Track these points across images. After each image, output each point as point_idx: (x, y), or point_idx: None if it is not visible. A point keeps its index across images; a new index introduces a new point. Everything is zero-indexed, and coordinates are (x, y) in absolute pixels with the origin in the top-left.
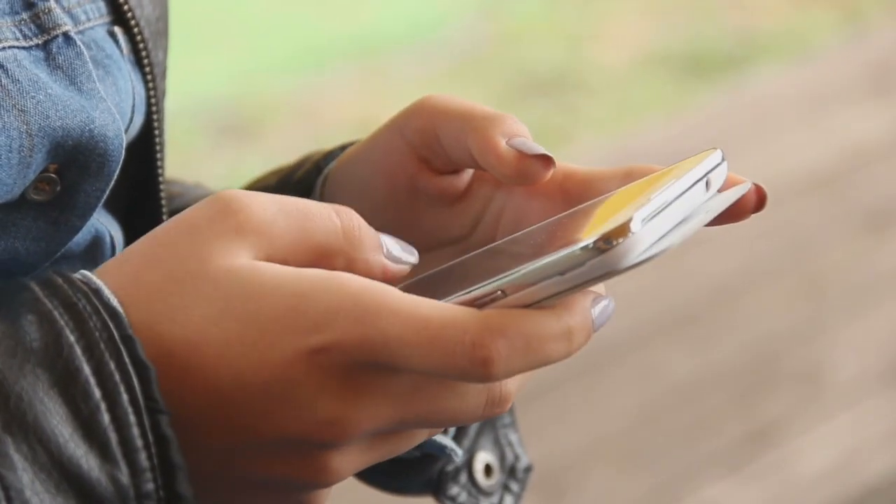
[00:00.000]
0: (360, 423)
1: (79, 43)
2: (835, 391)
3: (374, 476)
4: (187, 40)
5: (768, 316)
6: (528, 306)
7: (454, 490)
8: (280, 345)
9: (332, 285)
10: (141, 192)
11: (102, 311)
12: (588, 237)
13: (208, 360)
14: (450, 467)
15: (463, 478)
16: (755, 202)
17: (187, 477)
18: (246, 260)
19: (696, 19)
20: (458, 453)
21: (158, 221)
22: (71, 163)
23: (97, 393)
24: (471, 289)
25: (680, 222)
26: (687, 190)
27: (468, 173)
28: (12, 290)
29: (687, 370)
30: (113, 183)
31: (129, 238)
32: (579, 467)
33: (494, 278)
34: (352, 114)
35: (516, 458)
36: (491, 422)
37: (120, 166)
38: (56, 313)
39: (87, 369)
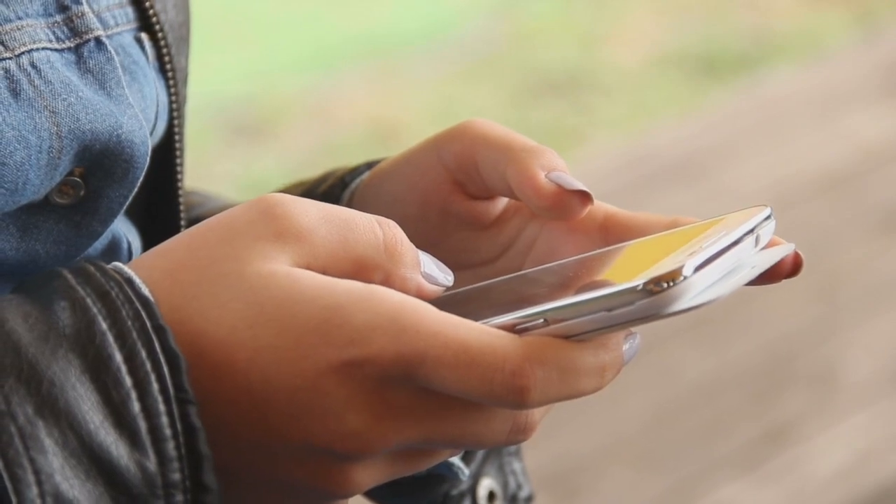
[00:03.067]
0: (386, 438)
1: (110, 48)
2: (849, 392)
3: (379, 491)
4: (201, 40)
5: (783, 317)
6: (565, 338)
7: None
8: (314, 356)
9: (373, 300)
10: (159, 198)
11: (135, 300)
12: (638, 278)
13: (239, 364)
14: (454, 491)
15: (467, 503)
16: (791, 267)
17: (213, 468)
18: (284, 266)
19: (709, 19)
20: (465, 472)
21: (176, 227)
22: (96, 167)
23: (128, 381)
24: (512, 314)
25: (727, 274)
26: (737, 242)
27: (502, 201)
28: (44, 277)
29: (702, 371)
30: (136, 189)
31: (147, 243)
32: (594, 468)
33: (538, 306)
34: (365, 113)
35: (518, 486)
36: (497, 448)
37: (144, 173)
38: (89, 300)
39: (118, 357)
